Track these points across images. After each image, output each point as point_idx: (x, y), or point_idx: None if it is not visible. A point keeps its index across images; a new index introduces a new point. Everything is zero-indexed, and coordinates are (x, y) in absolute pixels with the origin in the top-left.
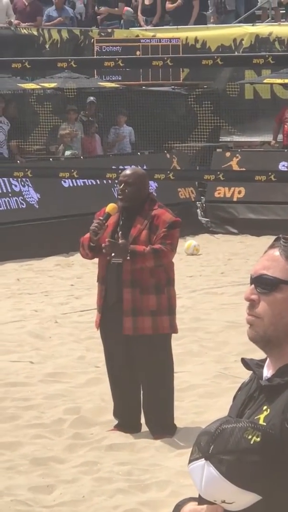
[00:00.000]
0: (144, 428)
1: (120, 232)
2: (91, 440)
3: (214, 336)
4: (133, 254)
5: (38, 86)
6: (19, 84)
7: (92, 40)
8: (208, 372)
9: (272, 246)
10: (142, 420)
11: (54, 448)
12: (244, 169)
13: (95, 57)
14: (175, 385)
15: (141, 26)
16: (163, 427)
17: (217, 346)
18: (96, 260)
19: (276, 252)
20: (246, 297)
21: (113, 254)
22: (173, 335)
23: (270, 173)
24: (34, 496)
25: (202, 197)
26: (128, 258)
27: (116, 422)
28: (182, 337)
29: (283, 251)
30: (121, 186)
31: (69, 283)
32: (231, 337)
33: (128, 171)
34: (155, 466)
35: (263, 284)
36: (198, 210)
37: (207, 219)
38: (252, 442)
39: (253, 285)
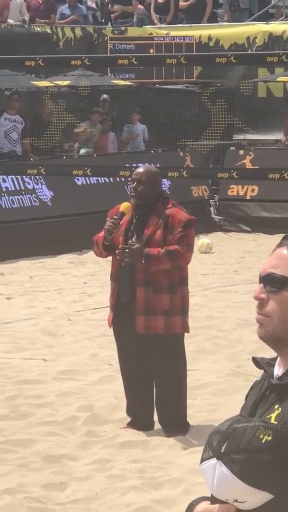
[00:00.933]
0: (157, 425)
1: (135, 233)
2: (104, 438)
3: (227, 334)
4: (147, 258)
5: (51, 84)
6: (33, 82)
7: (106, 38)
8: (221, 370)
9: (280, 245)
10: (155, 418)
11: (67, 446)
12: (257, 167)
13: (109, 55)
14: (188, 382)
15: (154, 24)
16: (176, 425)
17: (230, 344)
18: (109, 257)
19: (284, 251)
20: (255, 296)
21: (126, 260)
22: (186, 333)
23: (283, 171)
24: (47, 493)
25: (215, 195)
26: (143, 261)
27: (129, 419)
28: (195, 335)
29: None
30: (134, 184)
31: (82, 281)
32: (244, 335)
33: (140, 169)
34: (168, 463)
35: (271, 283)
36: (212, 208)
37: (221, 217)
38: (263, 441)
39: (262, 284)
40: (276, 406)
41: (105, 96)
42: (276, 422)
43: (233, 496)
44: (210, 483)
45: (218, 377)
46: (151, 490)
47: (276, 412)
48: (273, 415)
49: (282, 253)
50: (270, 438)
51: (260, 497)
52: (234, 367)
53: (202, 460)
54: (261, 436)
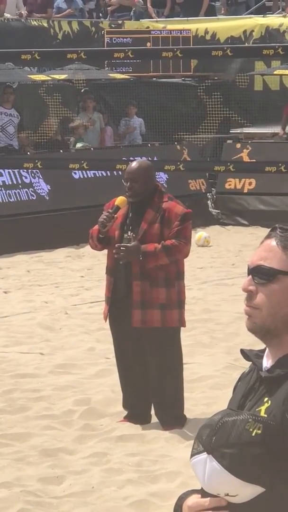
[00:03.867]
0: (154, 419)
1: (130, 227)
2: (101, 431)
3: (224, 327)
4: (144, 255)
5: (48, 78)
6: (29, 76)
7: (103, 31)
8: (218, 363)
9: (268, 236)
10: (152, 412)
11: (64, 439)
12: (254, 160)
13: (105, 48)
14: (185, 376)
15: (152, 18)
16: (173, 418)
17: (227, 337)
18: (106, 251)
19: (273, 242)
20: (244, 288)
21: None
22: (183, 327)
23: (280, 164)
24: (43, 487)
25: (212, 189)
26: (141, 258)
27: (125, 413)
28: (192, 328)
29: (280, 241)
30: (128, 184)
31: (80, 275)
32: (241, 328)
33: (133, 167)
34: (165, 457)
35: (260, 274)
36: (209, 202)
37: (218, 211)
38: (253, 435)
39: (250, 276)
40: (266, 399)
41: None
42: (266, 415)
43: (224, 490)
44: (201, 477)
45: (215, 370)
46: (147, 483)
47: (266, 405)
48: (263, 408)
49: (270, 245)
50: (260, 431)
51: (251, 490)
52: (231, 360)
53: (193, 455)
54: (251, 430)
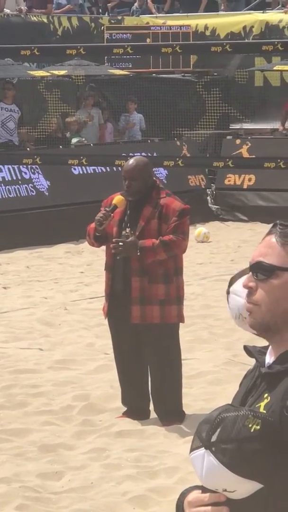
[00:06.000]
0: (153, 415)
1: (129, 223)
2: (100, 427)
3: (223, 323)
4: (142, 250)
5: (47, 74)
6: (29, 71)
7: (102, 27)
8: (218, 359)
9: (269, 233)
10: (151, 407)
11: (63, 435)
12: (254, 156)
13: (104, 44)
14: (184, 372)
15: (151, 14)
16: (172, 414)
17: (227, 333)
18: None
19: (273, 239)
20: (244, 284)
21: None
22: (182, 323)
23: (279, 160)
24: (42, 482)
25: (212, 185)
26: (138, 254)
27: (124, 409)
28: (191, 324)
29: (279, 237)
30: (126, 182)
31: (79, 270)
32: None
33: (130, 165)
34: (164, 452)
35: (260, 271)
36: (208, 198)
37: (217, 207)
38: (252, 430)
39: (250, 273)
40: (266, 395)
41: (92, 84)
42: (265, 411)
43: (222, 486)
44: (199, 472)
45: (215, 366)
46: (146, 479)
47: (266, 401)
48: (262, 404)
49: (270, 241)
50: (258, 427)
51: (250, 486)
52: (231, 356)
53: (192, 450)
54: (250, 425)
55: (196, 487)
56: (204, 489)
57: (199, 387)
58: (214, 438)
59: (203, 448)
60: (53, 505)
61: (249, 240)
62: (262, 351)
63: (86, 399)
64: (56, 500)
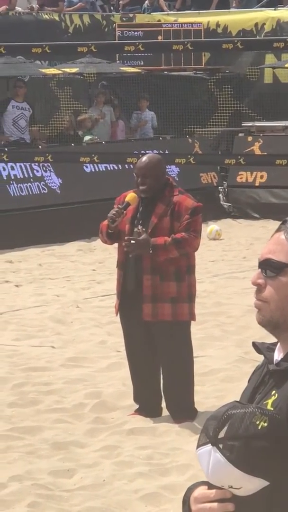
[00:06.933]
0: (165, 412)
1: (141, 221)
2: (112, 425)
3: (235, 321)
4: (154, 248)
5: (59, 71)
6: (40, 69)
7: (114, 25)
8: (230, 356)
9: (278, 230)
10: (163, 404)
11: (75, 433)
12: (266, 153)
13: (115, 41)
14: (196, 369)
15: (163, 11)
16: (184, 411)
17: (239, 330)
18: (117, 245)
19: (282, 236)
20: (253, 281)
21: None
22: (193, 321)
23: None
24: (54, 480)
25: (224, 182)
26: (150, 251)
27: (136, 406)
28: (203, 322)
29: None
30: (139, 180)
31: (91, 268)
32: (253, 322)
33: (143, 162)
34: (176, 450)
35: (269, 268)
36: (220, 195)
37: (229, 204)
38: (260, 428)
39: (259, 269)
40: (273, 392)
41: (104, 82)
42: (272, 408)
43: (227, 482)
44: (205, 469)
45: (226, 363)
46: (158, 476)
47: (273, 398)
48: (270, 401)
49: (279, 238)
50: (266, 424)
51: (255, 483)
52: (242, 353)
53: (198, 446)
54: (258, 422)
55: (203, 483)
56: (210, 485)
57: (211, 385)
58: (221, 435)
59: (210, 444)
60: (65, 502)
61: (261, 238)
62: (271, 347)
63: (98, 397)
64: (68, 498)
